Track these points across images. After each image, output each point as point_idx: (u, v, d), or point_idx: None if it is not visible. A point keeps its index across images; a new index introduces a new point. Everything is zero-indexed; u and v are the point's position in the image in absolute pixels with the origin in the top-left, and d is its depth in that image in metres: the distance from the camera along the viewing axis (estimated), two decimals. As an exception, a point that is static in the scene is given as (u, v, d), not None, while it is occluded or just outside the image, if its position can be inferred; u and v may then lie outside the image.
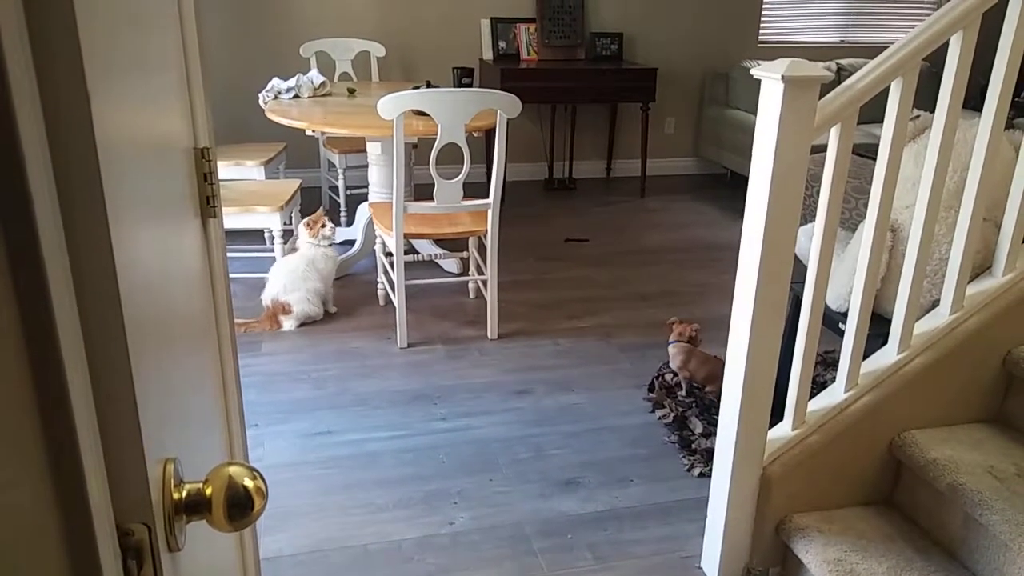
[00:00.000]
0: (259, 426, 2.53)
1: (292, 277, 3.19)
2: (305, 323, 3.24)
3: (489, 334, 3.20)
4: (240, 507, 0.64)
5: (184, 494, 0.64)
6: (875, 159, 1.74)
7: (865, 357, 1.89)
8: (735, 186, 5.58)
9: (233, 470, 0.65)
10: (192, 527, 0.69)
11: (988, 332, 1.87)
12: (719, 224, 4.77)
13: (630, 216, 4.90)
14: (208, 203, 0.97)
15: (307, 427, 2.54)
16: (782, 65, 1.51)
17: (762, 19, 5.69)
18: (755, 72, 1.57)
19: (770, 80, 1.55)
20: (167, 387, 0.69)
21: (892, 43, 1.62)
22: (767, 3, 5.66)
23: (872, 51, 5.68)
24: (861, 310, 1.81)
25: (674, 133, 5.83)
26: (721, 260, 4.12)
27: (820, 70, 1.52)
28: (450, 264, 3.86)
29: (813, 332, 1.78)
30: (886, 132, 1.69)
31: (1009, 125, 1.81)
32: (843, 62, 5.34)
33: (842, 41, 5.93)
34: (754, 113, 5.24)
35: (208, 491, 0.64)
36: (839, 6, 5.83)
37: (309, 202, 4.65)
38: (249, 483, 0.65)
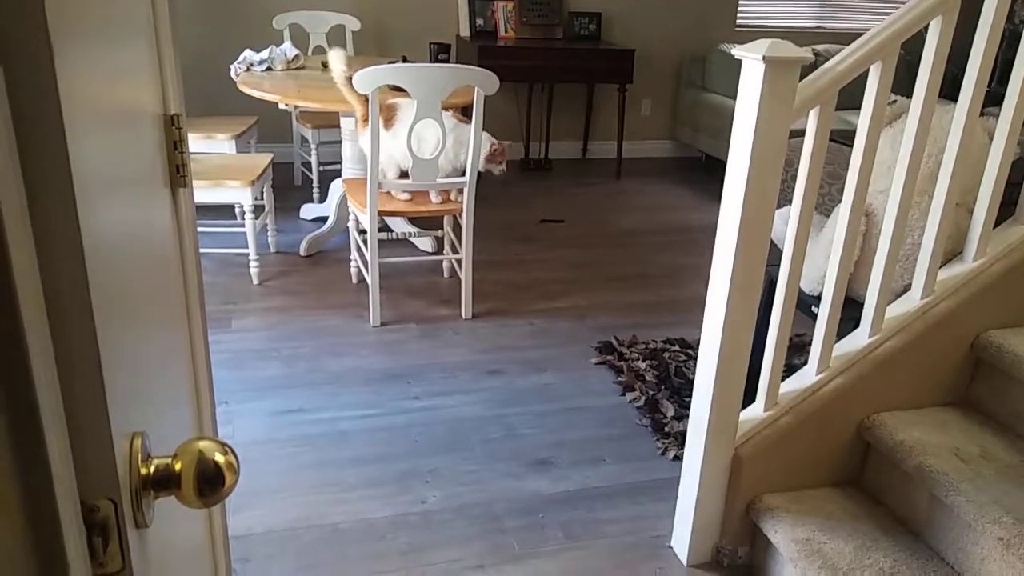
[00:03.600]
0: (229, 403, 2.50)
1: None
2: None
3: (463, 313, 3.18)
4: (210, 483, 0.63)
5: (152, 469, 0.62)
6: (850, 145, 1.74)
7: (837, 340, 1.90)
8: (710, 169, 5.60)
9: (203, 445, 0.63)
10: (160, 504, 0.68)
11: (958, 317, 1.90)
12: (694, 206, 4.79)
13: (606, 198, 4.89)
14: (178, 172, 0.95)
15: (278, 405, 2.52)
16: (763, 45, 1.50)
17: (740, 3, 5.69)
18: (736, 52, 1.56)
19: (751, 60, 1.54)
20: (135, 360, 0.67)
21: (868, 30, 1.62)
22: (745, -13, 5.66)
23: (848, 37, 5.71)
24: (834, 293, 1.83)
25: (650, 115, 5.82)
26: (696, 242, 4.14)
27: (801, 51, 1.52)
28: (424, 243, 3.83)
29: (787, 314, 1.79)
30: (864, 115, 1.69)
31: (982, 112, 1.82)
32: (819, 48, 5.35)
33: (818, 27, 5.95)
34: (730, 97, 5.27)
35: (177, 466, 0.62)
36: (816, -9, 5.85)
37: (281, 177, 4.59)
38: (220, 458, 0.63)
